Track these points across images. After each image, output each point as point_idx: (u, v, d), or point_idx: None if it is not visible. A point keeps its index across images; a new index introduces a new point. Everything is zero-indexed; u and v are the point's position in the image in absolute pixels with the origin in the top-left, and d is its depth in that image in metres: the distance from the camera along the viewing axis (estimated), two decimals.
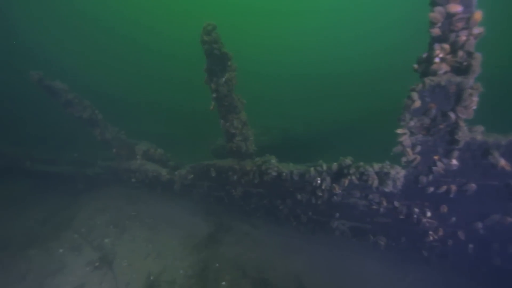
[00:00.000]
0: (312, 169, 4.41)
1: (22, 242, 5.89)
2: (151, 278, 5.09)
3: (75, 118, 5.85)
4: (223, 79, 4.51)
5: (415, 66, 3.39)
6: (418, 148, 3.56)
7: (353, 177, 3.93)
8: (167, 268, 5.29)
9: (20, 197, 7.12)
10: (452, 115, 3.23)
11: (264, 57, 31.21)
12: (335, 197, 4.47)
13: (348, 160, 4.08)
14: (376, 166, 3.77)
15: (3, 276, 5.08)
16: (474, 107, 3.12)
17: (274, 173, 4.63)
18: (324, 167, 4.28)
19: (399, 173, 3.68)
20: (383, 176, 3.76)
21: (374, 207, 4.31)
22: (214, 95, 4.61)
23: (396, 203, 4.11)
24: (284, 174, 4.59)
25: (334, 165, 4.20)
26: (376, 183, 3.79)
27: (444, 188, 3.67)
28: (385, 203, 4.19)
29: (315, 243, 5.59)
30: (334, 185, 4.31)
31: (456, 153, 3.40)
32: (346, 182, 4.09)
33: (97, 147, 7.33)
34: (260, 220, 6.13)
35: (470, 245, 4.04)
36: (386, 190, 3.78)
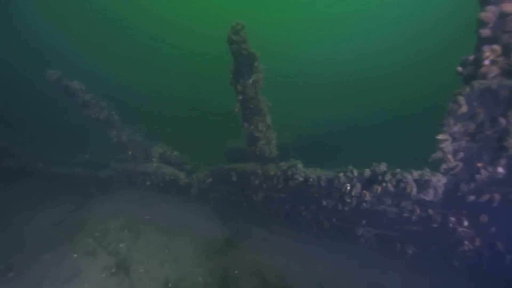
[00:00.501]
0: (341, 174, 4.22)
1: (35, 245, 5.70)
2: (170, 286, 4.89)
3: (91, 119, 5.67)
4: (250, 80, 4.33)
5: (459, 68, 3.21)
6: (460, 155, 3.37)
7: (389, 184, 3.74)
8: (185, 275, 5.09)
9: (33, 199, 6.94)
10: (502, 121, 3.05)
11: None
12: (364, 204, 4.29)
13: (382, 166, 3.89)
14: (415, 173, 3.59)
15: (18, 282, 4.89)
16: None
17: (300, 179, 4.44)
18: (355, 172, 4.10)
19: (440, 180, 3.49)
20: (423, 184, 3.57)
21: (406, 214, 4.12)
22: (240, 97, 4.43)
23: (430, 211, 3.92)
24: (311, 179, 4.41)
25: (367, 171, 4.01)
26: (414, 191, 3.61)
27: (486, 197, 3.48)
28: (418, 211, 4.00)
29: (336, 250, 5.40)
30: (364, 191, 4.12)
31: (503, 161, 3.22)
32: (379, 189, 3.90)
33: (109, 148, 7.15)
34: (277, 225, 5.94)
35: (509, 257, 3.84)
36: (426, 198, 3.59)
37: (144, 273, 5.12)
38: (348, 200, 4.29)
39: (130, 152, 5.87)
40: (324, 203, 4.59)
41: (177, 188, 6.01)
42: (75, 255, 5.50)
